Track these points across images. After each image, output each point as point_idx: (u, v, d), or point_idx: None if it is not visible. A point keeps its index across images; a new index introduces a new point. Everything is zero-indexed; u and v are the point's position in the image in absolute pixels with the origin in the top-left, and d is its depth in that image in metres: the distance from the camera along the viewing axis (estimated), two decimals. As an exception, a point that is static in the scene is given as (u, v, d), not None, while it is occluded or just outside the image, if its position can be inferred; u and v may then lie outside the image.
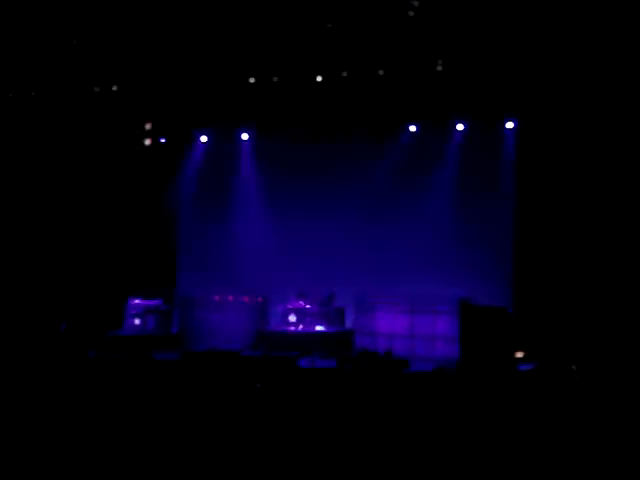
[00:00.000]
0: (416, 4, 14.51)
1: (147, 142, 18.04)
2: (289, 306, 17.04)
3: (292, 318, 16.85)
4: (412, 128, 17.51)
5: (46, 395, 10.47)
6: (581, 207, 15.73)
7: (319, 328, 16.70)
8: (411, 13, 14.61)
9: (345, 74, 16.02)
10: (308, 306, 16.97)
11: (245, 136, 18.46)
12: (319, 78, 16.18)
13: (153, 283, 17.68)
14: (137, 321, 16.92)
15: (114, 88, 16.68)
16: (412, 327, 16.35)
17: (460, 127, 17.19)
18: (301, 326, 16.76)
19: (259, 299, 17.36)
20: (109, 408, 9.76)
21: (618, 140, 15.30)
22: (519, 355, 14.29)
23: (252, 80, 16.39)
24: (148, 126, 17.93)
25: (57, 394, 10.54)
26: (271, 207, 18.28)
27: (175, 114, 17.82)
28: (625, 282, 15.13)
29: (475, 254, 16.76)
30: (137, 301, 17.09)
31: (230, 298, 17.30)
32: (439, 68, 15.53)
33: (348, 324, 17.09)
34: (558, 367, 12.55)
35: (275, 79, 16.32)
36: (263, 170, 18.45)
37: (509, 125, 16.82)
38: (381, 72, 15.85)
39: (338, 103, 16.92)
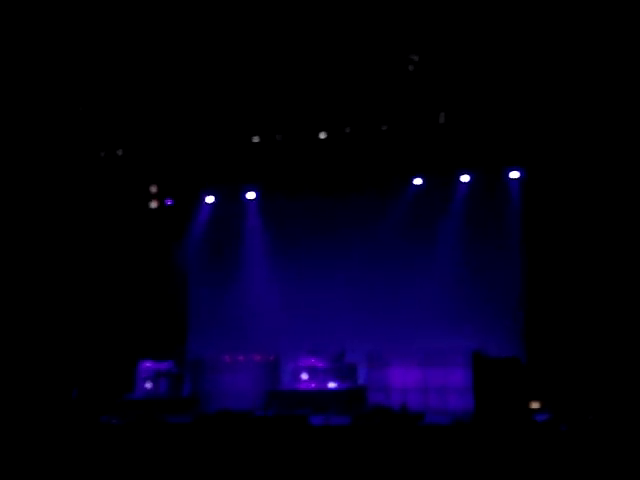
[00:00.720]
0: (416, 59, 14.76)
1: (153, 205, 18.24)
2: (300, 364, 16.99)
3: (304, 376, 16.80)
4: (417, 181, 17.68)
5: (59, 462, 10.45)
6: (590, 255, 15.76)
7: (331, 385, 16.65)
8: (411, 67, 14.87)
9: (348, 130, 16.26)
10: (320, 363, 16.91)
11: (251, 195, 18.62)
12: (322, 135, 16.42)
13: (164, 345, 17.66)
14: (149, 385, 16.88)
15: (119, 152, 16.93)
16: (425, 380, 16.36)
17: (465, 178, 17.36)
18: (313, 384, 16.72)
19: (270, 358, 17.36)
20: (123, 473, 9.76)
21: (624, 188, 15.41)
22: (534, 405, 14.23)
23: (256, 139, 16.62)
24: (154, 189, 18.14)
25: (70, 460, 10.52)
26: (279, 265, 18.30)
27: (180, 175, 17.99)
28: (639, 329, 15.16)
29: (486, 305, 16.78)
30: (148, 364, 17.09)
31: (241, 358, 17.31)
32: (442, 120, 15.72)
33: (361, 380, 17.05)
34: (574, 417, 12.79)
35: (279, 137, 16.55)
36: (270, 228, 18.55)
37: (514, 175, 16.97)
38: (384, 127, 16.09)
39: (342, 159, 17.05)
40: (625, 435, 10.83)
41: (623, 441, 10.40)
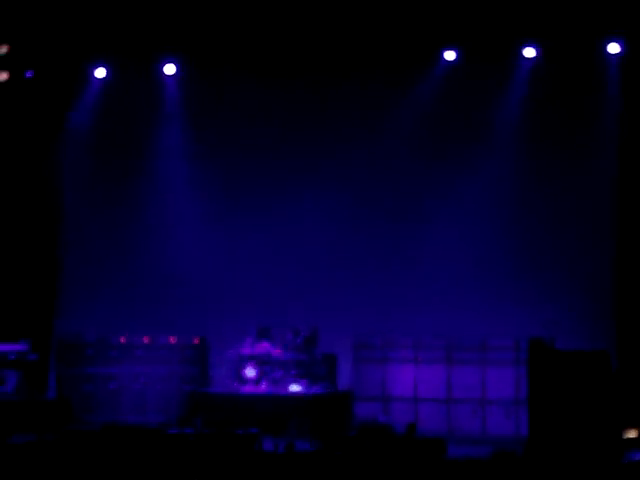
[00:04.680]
0: None
1: (2, 77, 17.87)
2: (244, 351, 16.78)
3: (250, 372, 16.62)
4: (449, 55, 17.42)
5: None
6: None
7: (294, 389, 16.52)
8: None
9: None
10: (276, 351, 16.75)
11: (170, 69, 18.21)
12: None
13: (15, 316, 17.67)
14: (-13, 379, 16.68)
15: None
16: (449, 386, 16.49)
17: (530, 52, 17.12)
18: (264, 385, 16.56)
19: (195, 340, 17.35)
20: None
21: None
22: (631, 435, 14.23)
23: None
24: (4, 50, 17.69)
25: None
26: (211, 186, 18.30)
27: (53, 32, 17.65)
28: None
29: (554, 265, 16.91)
30: (-13, 346, 16.83)
31: (145, 339, 17.32)
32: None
33: (342, 382, 17.09)
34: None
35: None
36: (198, 123, 18.41)
37: (613, 49, 16.73)
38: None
39: (322, 17, 16.94)
40: None
41: None
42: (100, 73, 18.43)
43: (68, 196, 18.77)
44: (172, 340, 17.34)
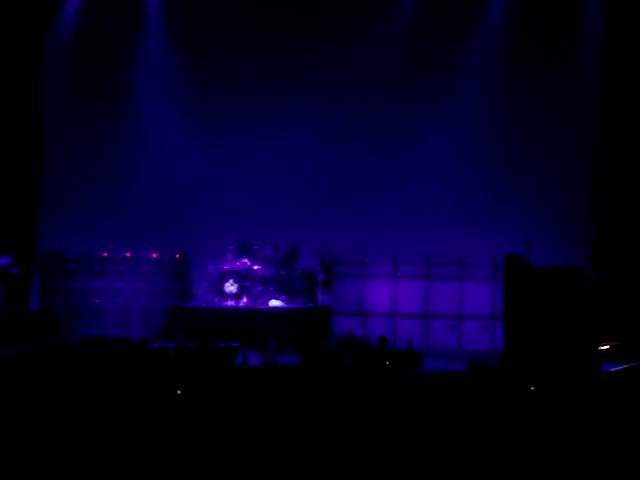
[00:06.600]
0: None
1: None
2: (226, 267, 16.89)
3: (230, 287, 16.76)
4: None
5: None
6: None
7: (274, 303, 16.69)
8: None
9: None
10: (256, 267, 16.87)
11: None
12: None
13: None
14: (-29, 293, 16.65)
15: None
16: (427, 301, 16.42)
17: None
18: (245, 299, 16.74)
19: (176, 256, 17.42)
20: None
21: None
22: (604, 347, 14.26)
23: None
24: None
25: None
26: (193, 102, 18.28)
27: None
28: None
29: (530, 183, 16.88)
30: (-29, 260, 16.75)
31: (128, 254, 17.39)
32: None
33: (322, 297, 17.15)
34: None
35: None
36: (183, 42, 18.27)
37: None
38: None
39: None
40: None
41: None
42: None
43: (49, 113, 18.65)
44: (154, 255, 17.34)
